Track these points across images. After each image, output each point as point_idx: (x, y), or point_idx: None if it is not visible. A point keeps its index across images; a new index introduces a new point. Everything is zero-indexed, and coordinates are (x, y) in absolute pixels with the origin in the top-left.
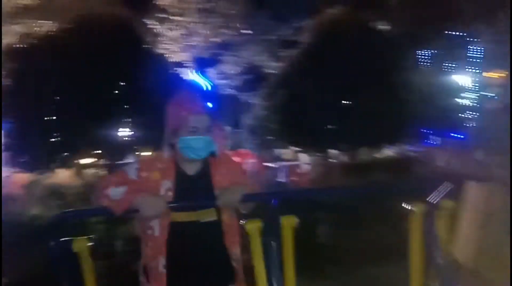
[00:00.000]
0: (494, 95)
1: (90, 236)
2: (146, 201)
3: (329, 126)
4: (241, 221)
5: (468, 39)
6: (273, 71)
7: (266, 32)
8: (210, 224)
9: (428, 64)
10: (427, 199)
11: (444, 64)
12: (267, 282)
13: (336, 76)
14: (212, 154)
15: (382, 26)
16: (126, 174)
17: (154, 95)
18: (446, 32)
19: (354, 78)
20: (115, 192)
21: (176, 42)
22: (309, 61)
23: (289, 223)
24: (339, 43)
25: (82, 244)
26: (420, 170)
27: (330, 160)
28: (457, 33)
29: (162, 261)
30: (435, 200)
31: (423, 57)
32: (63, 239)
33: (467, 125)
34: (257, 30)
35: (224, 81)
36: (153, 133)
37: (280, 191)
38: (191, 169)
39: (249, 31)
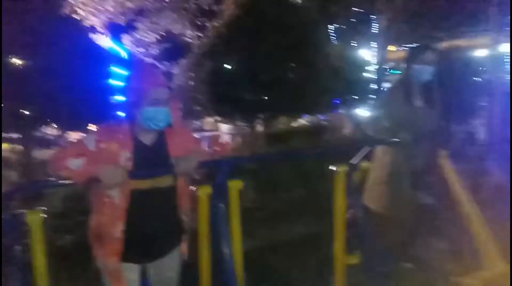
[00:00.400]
0: (392, 69)
1: (43, 208)
2: (107, 170)
3: (248, 97)
4: (192, 186)
5: (372, 15)
6: (193, 41)
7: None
8: (166, 190)
9: (338, 39)
10: (349, 161)
11: (351, 39)
12: (214, 240)
13: (255, 48)
14: (168, 125)
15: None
16: (84, 145)
17: (66, 62)
18: (353, 8)
19: (272, 50)
20: (75, 163)
21: (86, 5)
22: (229, 33)
23: (235, 186)
24: (257, 16)
25: (35, 217)
26: (332, 137)
27: (250, 129)
28: (362, 10)
29: (120, 227)
30: (355, 161)
31: (333, 32)
32: (17, 211)
33: (373, 96)
34: None
35: (141, 49)
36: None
37: (230, 158)
38: (148, 140)
39: None
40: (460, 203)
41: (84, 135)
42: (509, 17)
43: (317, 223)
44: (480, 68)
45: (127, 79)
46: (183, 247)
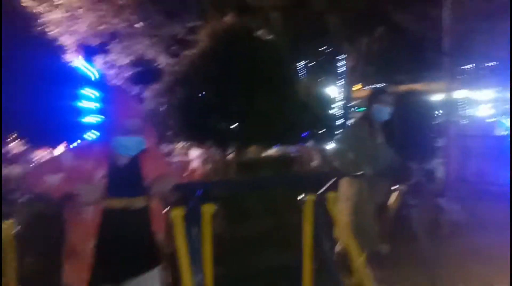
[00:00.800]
0: (357, 107)
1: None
2: (84, 187)
3: (220, 125)
4: (165, 209)
5: (338, 55)
6: (166, 67)
7: (158, 27)
8: (139, 211)
9: (306, 75)
10: (317, 191)
11: (319, 76)
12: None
13: (227, 79)
14: (141, 151)
15: (266, 36)
16: (61, 162)
17: (36, 80)
18: (321, 47)
19: (244, 82)
20: (52, 178)
21: (59, 26)
22: (202, 62)
23: (208, 210)
24: (230, 48)
25: (7, 227)
26: (300, 168)
27: (221, 157)
28: (330, 49)
29: (90, 245)
30: (323, 192)
31: (302, 69)
32: None
33: (338, 131)
34: (149, 24)
35: (112, 72)
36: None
37: (204, 182)
38: (123, 161)
39: (140, 24)
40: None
41: (60, 152)
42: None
43: (285, 254)
44: (437, 112)
45: (101, 108)
46: (162, 271)
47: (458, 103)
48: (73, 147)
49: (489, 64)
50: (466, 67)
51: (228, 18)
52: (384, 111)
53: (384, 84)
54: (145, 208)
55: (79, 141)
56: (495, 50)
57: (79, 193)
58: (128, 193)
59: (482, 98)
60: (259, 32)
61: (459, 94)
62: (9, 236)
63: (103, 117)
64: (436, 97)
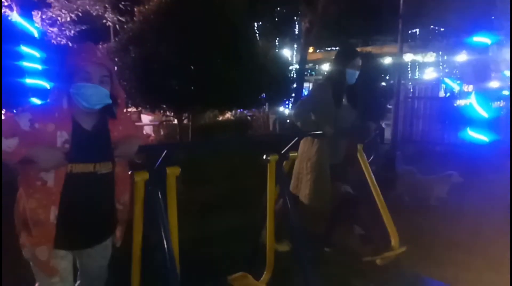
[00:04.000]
0: (312, 69)
1: None
2: (43, 152)
3: (176, 88)
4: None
5: (294, 17)
6: (115, 25)
7: None
8: (104, 176)
9: (262, 37)
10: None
11: (275, 38)
12: (150, 226)
13: (184, 39)
14: (111, 116)
15: None
16: (18, 124)
17: None
18: (277, 8)
19: (201, 42)
20: (7, 143)
21: None
22: (157, 20)
23: (173, 172)
24: (187, 5)
25: None
26: (257, 131)
27: (176, 122)
28: (286, 11)
29: (54, 211)
30: (285, 152)
31: (258, 30)
32: None
33: (293, 94)
34: None
35: (54, 29)
36: None
37: (169, 144)
38: (88, 124)
39: None
40: (372, 191)
41: (16, 114)
42: (414, 30)
43: (245, 215)
44: (386, 75)
45: (60, 56)
46: (118, 234)
47: (407, 66)
48: (31, 108)
49: (436, 28)
50: (414, 31)
51: None
52: (352, 75)
53: (351, 47)
54: (110, 174)
55: (29, 103)
56: (445, 15)
57: (37, 158)
58: (95, 158)
59: (427, 61)
60: None
61: (407, 57)
62: None
63: (62, 65)
64: (386, 60)
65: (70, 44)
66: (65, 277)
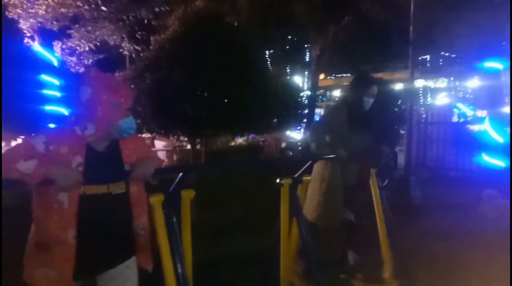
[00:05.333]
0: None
1: None
2: (61, 172)
3: (190, 113)
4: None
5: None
6: (131, 53)
7: (122, 11)
8: (119, 196)
9: (274, 64)
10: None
11: (286, 65)
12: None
13: (198, 65)
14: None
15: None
16: (34, 147)
17: None
18: (288, 36)
19: (215, 68)
20: (26, 165)
21: (16, 8)
22: (173, 48)
23: (187, 195)
24: (201, 34)
25: None
26: (268, 155)
27: (189, 147)
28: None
29: (72, 233)
30: (298, 175)
31: (269, 57)
32: None
33: (305, 119)
34: (112, 7)
35: (73, 58)
36: None
37: (186, 166)
38: (100, 146)
39: (103, 8)
40: (377, 218)
41: (32, 137)
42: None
43: (258, 239)
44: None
45: (91, 93)
46: (144, 258)
47: (419, 92)
48: (45, 132)
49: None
50: (425, 57)
51: (197, 3)
52: (369, 102)
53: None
54: (125, 193)
55: (46, 129)
56: (455, 41)
57: (55, 178)
58: (108, 179)
59: (439, 87)
60: (228, 18)
61: (419, 83)
62: None
63: (95, 102)
64: (398, 86)
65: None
66: None
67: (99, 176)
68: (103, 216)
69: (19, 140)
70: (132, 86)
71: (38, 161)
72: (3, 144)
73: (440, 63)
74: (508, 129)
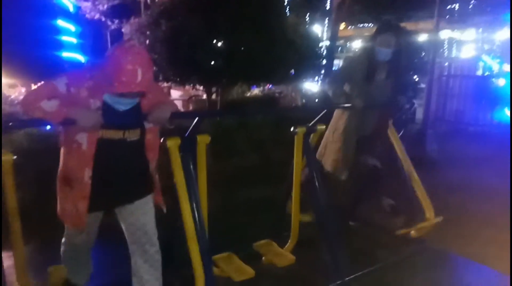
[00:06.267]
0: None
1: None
2: (83, 112)
3: (207, 61)
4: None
5: None
6: (148, 0)
7: None
8: (133, 143)
9: (292, 12)
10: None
11: (305, 13)
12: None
13: (216, 12)
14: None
15: None
16: (56, 88)
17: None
18: None
19: (233, 16)
20: (49, 104)
21: None
22: None
23: (203, 140)
24: None
25: (5, 158)
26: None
27: (205, 97)
28: None
29: (88, 172)
30: (313, 124)
31: (289, 5)
32: None
33: (323, 71)
34: None
35: (88, 3)
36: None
37: (202, 111)
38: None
39: None
40: (404, 164)
41: (55, 78)
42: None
43: (272, 186)
44: (421, 52)
45: (112, 58)
46: (157, 198)
47: (443, 43)
48: (67, 74)
49: (475, 2)
50: (452, 6)
51: None
52: (387, 51)
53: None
54: (140, 140)
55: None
56: None
57: (77, 117)
58: (124, 126)
59: (465, 38)
60: None
61: (445, 34)
62: (8, 166)
63: (103, 69)
64: (422, 37)
65: (103, 19)
66: (88, 231)
67: (116, 122)
68: (118, 159)
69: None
70: (147, 32)
71: (60, 101)
72: (23, 89)
73: (469, 13)
74: None
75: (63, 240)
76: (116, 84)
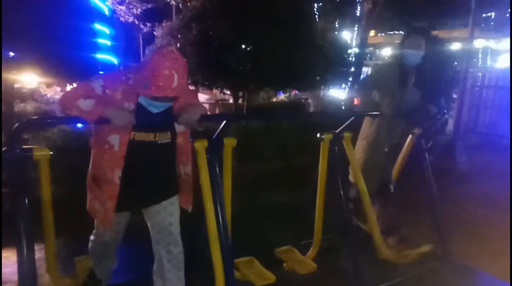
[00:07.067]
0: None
1: (50, 146)
2: (117, 112)
3: (236, 65)
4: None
5: None
6: (178, 4)
7: None
8: (164, 145)
9: (321, 18)
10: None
11: (334, 19)
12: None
13: (245, 17)
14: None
15: None
16: (92, 88)
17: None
18: None
19: (262, 21)
20: (85, 103)
21: None
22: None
23: (229, 143)
24: None
25: (43, 153)
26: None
27: (232, 101)
28: None
29: (118, 173)
30: (339, 131)
31: (317, 10)
32: (25, 146)
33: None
34: None
35: (122, 7)
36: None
37: (229, 114)
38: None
39: None
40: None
41: (91, 79)
42: (489, 14)
43: (296, 192)
44: (454, 61)
45: (151, 61)
46: (185, 199)
47: (477, 53)
48: (104, 76)
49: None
50: (489, 14)
51: None
52: (417, 56)
53: (416, 29)
54: (170, 143)
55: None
56: None
57: (111, 116)
58: (156, 129)
59: (501, 48)
60: None
61: (479, 43)
62: (45, 161)
63: (144, 73)
64: (455, 46)
65: (136, 22)
66: (117, 230)
67: (148, 124)
68: (148, 161)
69: (74, 85)
70: (178, 36)
71: (96, 101)
72: (59, 89)
73: (505, 21)
74: None
75: (92, 236)
76: (153, 88)
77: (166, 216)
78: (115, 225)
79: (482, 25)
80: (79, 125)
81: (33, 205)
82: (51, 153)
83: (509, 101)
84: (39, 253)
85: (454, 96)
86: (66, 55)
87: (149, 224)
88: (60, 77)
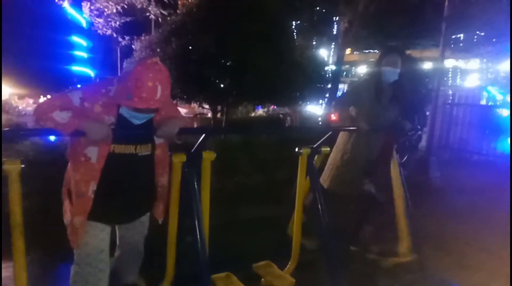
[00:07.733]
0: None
1: (22, 158)
2: (94, 125)
3: (215, 80)
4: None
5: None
6: (158, 17)
7: None
8: (144, 157)
9: (299, 35)
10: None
11: (312, 37)
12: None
13: (225, 32)
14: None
15: None
16: (70, 100)
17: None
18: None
19: (241, 36)
20: (61, 115)
21: None
22: (200, 13)
23: (208, 157)
24: (228, 1)
25: (13, 166)
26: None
27: (210, 115)
28: (324, 9)
29: (93, 187)
30: (317, 146)
31: (295, 28)
32: None
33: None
34: None
35: (101, 20)
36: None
37: (208, 128)
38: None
39: None
40: (395, 193)
41: (69, 90)
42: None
43: (274, 207)
44: (425, 79)
45: (131, 72)
46: (159, 212)
47: (448, 72)
48: (83, 88)
49: (481, 33)
50: (458, 35)
51: None
52: (394, 73)
53: (393, 47)
54: (151, 155)
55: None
56: (494, 19)
57: (88, 130)
58: (136, 140)
59: (470, 68)
60: None
61: (449, 62)
62: (16, 175)
63: (126, 83)
64: (426, 65)
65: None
66: (102, 247)
67: (128, 137)
68: (127, 174)
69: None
70: (157, 49)
71: (73, 114)
72: (31, 101)
73: (474, 43)
74: None
75: (73, 267)
76: (136, 99)
77: (135, 233)
78: (97, 241)
79: (452, 45)
80: (52, 137)
81: (1, 220)
82: (23, 166)
83: (482, 119)
84: (6, 271)
85: (427, 113)
86: (40, 66)
87: (117, 236)
88: (33, 88)
